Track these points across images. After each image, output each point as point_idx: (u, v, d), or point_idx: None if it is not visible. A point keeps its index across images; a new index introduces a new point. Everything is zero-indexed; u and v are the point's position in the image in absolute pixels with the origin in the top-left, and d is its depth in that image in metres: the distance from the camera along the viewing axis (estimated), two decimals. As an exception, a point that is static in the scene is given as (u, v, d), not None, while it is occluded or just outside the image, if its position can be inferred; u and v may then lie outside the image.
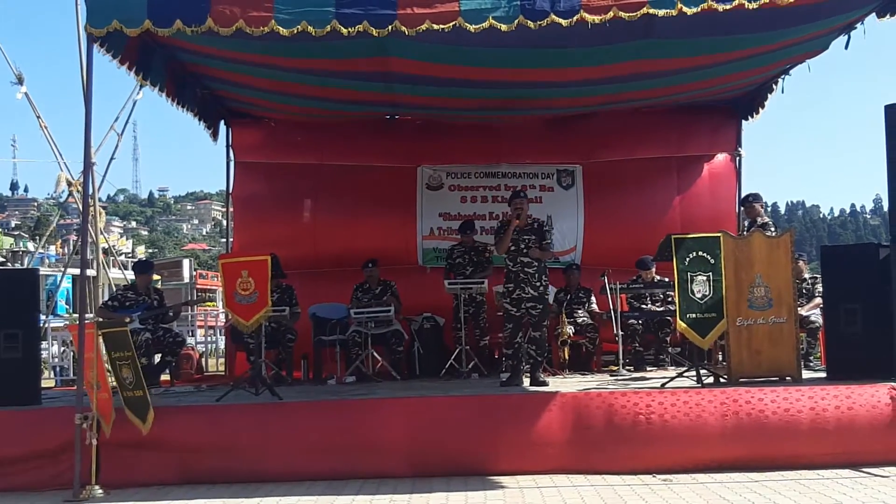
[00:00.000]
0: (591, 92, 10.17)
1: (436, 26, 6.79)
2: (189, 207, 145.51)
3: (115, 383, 7.15)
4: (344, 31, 6.79)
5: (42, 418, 7.43)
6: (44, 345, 14.86)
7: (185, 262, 37.91)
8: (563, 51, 8.37)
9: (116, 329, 7.18)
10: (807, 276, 10.99)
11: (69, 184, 18.26)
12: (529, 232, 8.95)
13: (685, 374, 8.51)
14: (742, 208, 11.16)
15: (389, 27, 6.81)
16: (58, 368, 15.51)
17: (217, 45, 8.29)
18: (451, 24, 6.80)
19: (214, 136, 12.03)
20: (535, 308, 8.88)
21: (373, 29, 6.79)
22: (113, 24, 6.76)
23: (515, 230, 8.91)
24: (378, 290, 11.05)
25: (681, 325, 8.22)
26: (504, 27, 6.81)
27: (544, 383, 8.73)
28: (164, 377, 10.75)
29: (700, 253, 8.19)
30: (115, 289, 14.57)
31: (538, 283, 8.92)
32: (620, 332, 10.04)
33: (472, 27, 6.79)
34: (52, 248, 39.83)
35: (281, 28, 6.80)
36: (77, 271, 17.13)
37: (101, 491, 6.67)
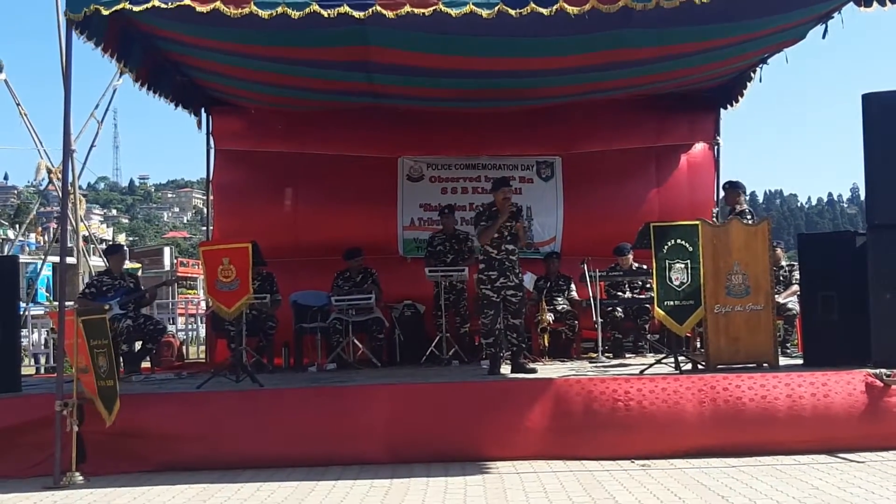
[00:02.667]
0: (571, 81, 10.14)
1: (416, 10, 6.75)
2: (170, 195, 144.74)
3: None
4: (324, 13, 6.72)
5: (22, 405, 7.39)
6: (24, 332, 14.85)
7: (166, 250, 37.88)
8: (542, 40, 8.36)
9: (95, 316, 7.18)
10: (784, 263, 11.06)
11: (49, 171, 18.22)
12: (510, 218, 8.97)
13: (663, 360, 8.56)
14: (722, 195, 11.19)
15: (370, 10, 6.76)
16: (38, 356, 15.51)
17: (196, 34, 8.25)
18: (431, 9, 6.76)
19: (199, 123, 11.92)
20: (516, 296, 8.94)
21: (353, 11, 6.73)
22: (91, 7, 6.70)
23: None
24: (359, 277, 11.06)
25: (659, 312, 8.28)
26: (485, 13, 6.77)
27: (533, 370, 8.73)
28: (145, 364, 10.77)
29: (678, 241, 8.23)
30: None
31: (517, 271, 8.99)
32: (600, 320, 10.10)
33: (452, 12, 6.75)
34: (32, 235, 39.52)
35: (259, 10, 6.73)
36: (57, 259, 17.09)
37: (81, 478, 6.67)
